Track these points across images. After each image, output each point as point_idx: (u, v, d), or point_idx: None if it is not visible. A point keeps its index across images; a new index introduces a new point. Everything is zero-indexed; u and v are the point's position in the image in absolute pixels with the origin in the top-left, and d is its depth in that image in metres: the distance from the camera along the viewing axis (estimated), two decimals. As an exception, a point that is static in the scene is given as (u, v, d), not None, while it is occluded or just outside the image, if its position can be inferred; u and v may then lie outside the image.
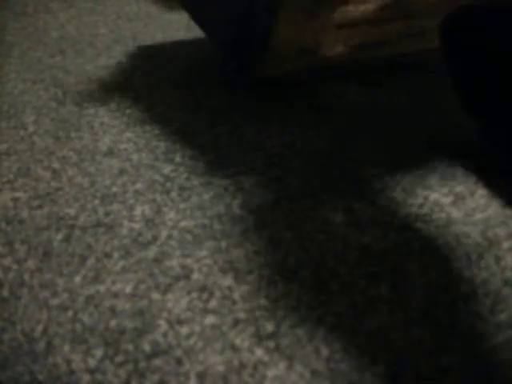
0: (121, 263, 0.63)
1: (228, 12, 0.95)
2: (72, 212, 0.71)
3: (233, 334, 0.55)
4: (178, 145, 0.83)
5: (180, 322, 0.56)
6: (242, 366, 0.52)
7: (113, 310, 0.58)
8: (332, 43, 0.92)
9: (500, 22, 0.71)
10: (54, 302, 0.59)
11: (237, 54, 0.94)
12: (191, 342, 0.54)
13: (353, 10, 0.89)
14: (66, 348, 0.55)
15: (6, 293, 0.61)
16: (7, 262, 0.64)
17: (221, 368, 0.52)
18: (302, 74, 0.97)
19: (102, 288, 0.60)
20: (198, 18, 1.03)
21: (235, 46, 0.94)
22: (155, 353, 0.54)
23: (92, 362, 0.53)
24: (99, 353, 0.54)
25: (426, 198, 0.70)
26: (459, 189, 0.71)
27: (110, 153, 0.81)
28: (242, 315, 0.57)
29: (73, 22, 1.24)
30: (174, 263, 0.63)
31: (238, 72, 0.93)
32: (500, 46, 0.71)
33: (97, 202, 0.72)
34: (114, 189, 0.74)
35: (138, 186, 0.75)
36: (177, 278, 0.61)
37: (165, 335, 0.55)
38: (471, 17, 0.74)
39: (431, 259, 0.62)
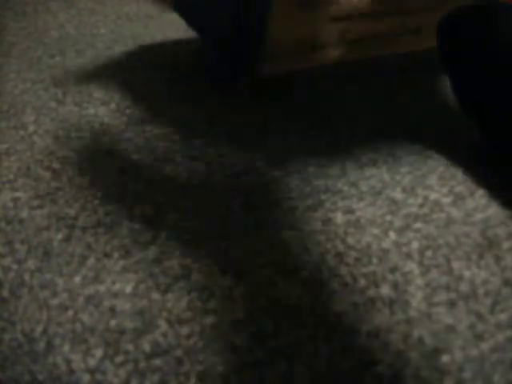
0: (121, 263, 0.63)
1: (221, 12, 0.95)
2: (72, 212, 0.71)
3: (233, 334, 0.55)
4: (178, 145, 0.83)
5: (180, 321, 0.56)
6: (242, 365, 0.52)
7: (113, 310, 0.58)
8: (329, 36, 0.92)
9: (501, 22, 0.71)
10: (54, 301, 0.59)
11: (234, 54, 0.94)
12: (191, 341, 0.54)
13: (348, 2, 0.89)
14: (66, 348, 0.55)
15: (5, 293, 0.61)
16: (7, 262, 0.64)
17: (221, 368, 0.52)
18: (302, 73, 0.97)
19: (102, 288, 0.60)
20: (191, 21, 1.04)
21: (232, 45, 0.94)
22: (155, 353, 0.54)
23: (92, 362, 0.53)
24: (99, 353, 0.54)
25: (425, 198, 0.70)
26: (459, 189, 0.71)
27: (110, 153, 0.81)
28: (241, 315, 0.57)
29: (73, 22, 1.24)
30: (173, 263, 0.63)
31: (236, 72, 0.93)
32: (500, 47, 0.71)
33: (97, 201, 0.72)
34: (114, 189, 0.74)
35: (138, 185, 0.75)
36: (177, 278, 0.61)
37: (165, 335, 0.55)
38: (470, 16, 0.74)
39: (430, 259, 0.62)
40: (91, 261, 0.64)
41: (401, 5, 0.94)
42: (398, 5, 0.93)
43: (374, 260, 0.62)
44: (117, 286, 0.61)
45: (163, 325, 0.56)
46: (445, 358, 0.52)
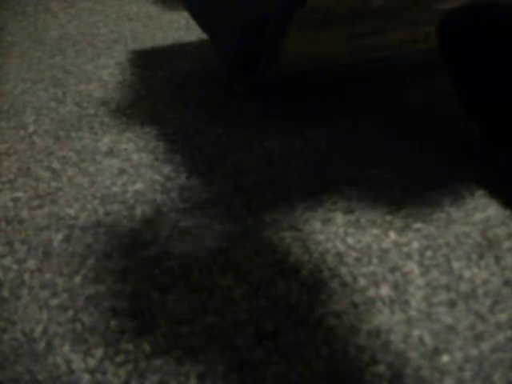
0: (121, 263, 0.63)
1: (237, 18, 0.94)
2: (72, 212, 0.71)
3: (233, 334, 0.55)
4: (178, 145, 0.83)
5: (180, 321, 0.56)
6: (242, 365, 0.52)
7: (113, 310, 0.58)
8: (338, 51, 0.92)
9: (499, 22, 0.71)
10: (54, 301, 0.59)
11: (245, 60, 0.94)
12: (191, 341, 0.54)
13: (364, 23, 0.89)
14: (66, 348, 0.55)
15: (6, 293, 0.61)
16: (7, 262, 0.64)
17: (221, 368, 0.52)
18: (302, 75, 0.97)
19: (101, 288, 0.60)
20: (201, 22, 1.03)
21: (244, 51, 0.94)
22: (155, 353, 0.54)
23: (92, 362, 0.53)
24: (99, 353, 0.54)
25: (425, 198, 0.70)
26: (459, 189, 0.71)
27: (109, 153, 0.81)
28: (241, 315, 0.57)
29: (73, 21, 1.24)
30: (173, 263, 0.63)
31: (247, 74, 0.93)
32: (499, 46, 0.71)
33: (97, 201, 0.72)
34: (114, 189, 0.74)
35: (138, 185, 0.75)
36: (177, 278, 0.61)
37: (165, 335, 0.55)
38: (469, 16, 0.74)
39: (430, 259, 0.62)
40: (91, 261, 0.64)
41: (411, 21, 0.93)
42: (407, 21, 0.93)
43: (374, 260, 0.62)
44: (117, 286, 0.61)
45: (163, 325, 0.56)
46: (445, 358, 0.52)
